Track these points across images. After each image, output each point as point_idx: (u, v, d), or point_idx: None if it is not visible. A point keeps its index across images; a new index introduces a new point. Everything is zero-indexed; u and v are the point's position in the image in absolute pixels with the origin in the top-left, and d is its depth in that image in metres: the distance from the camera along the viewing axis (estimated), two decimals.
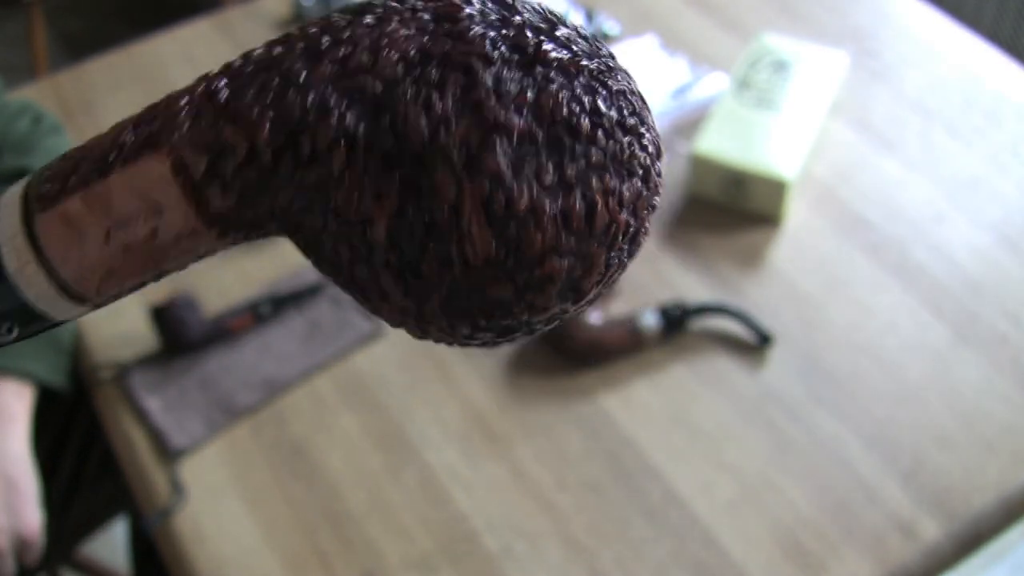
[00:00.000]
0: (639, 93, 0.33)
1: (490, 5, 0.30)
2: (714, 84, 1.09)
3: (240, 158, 0.30)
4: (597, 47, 0.32)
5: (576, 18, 1.14)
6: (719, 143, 0.96)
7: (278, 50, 0.30)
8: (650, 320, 0.86)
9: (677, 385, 0.85)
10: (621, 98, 0.31)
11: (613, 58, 0.32)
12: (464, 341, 0.32)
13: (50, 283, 0.31)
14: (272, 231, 0.31)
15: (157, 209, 0.30)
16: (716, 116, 0.99)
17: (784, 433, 0.81)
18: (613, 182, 0.30)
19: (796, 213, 0.97)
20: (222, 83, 0.31)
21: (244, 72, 0.31)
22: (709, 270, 0.93)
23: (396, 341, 0.90)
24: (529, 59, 0.29)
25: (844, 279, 0.91)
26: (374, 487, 0.80)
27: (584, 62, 0.30)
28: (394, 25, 0.30)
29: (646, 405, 0.84)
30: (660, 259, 0.94)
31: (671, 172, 1.02)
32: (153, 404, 0.86)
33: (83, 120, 1.14)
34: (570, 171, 0.29)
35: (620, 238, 0.30)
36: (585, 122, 0.30)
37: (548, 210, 0.29)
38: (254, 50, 0.31)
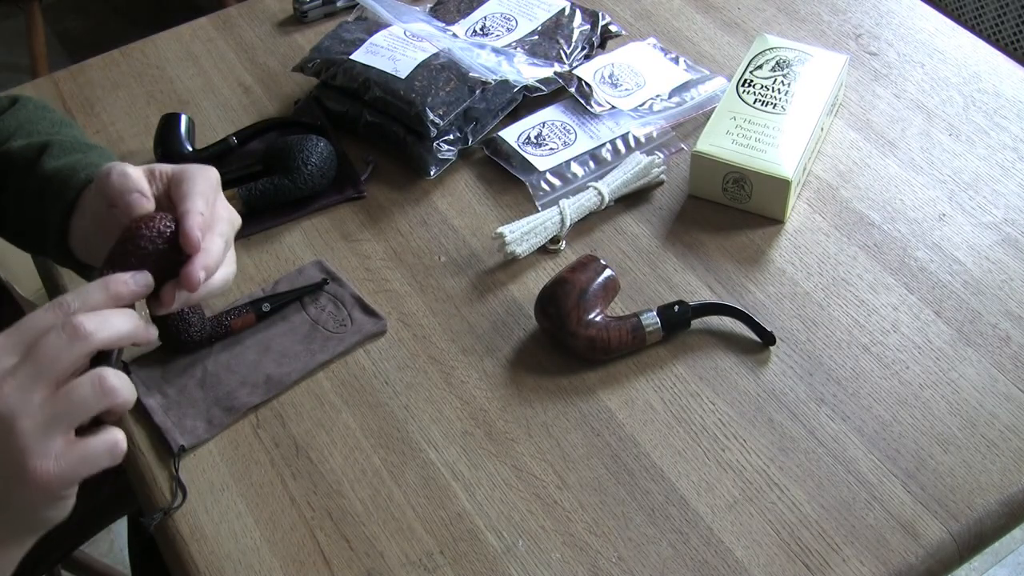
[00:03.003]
0: None
1: None
2: (715, 84, 1.10)
3: None
4: None
5: (577, 19, 1.14)
6: (720, 142, 0.96)
7: None
8: (651, 319, 0.86)
9: (678, 384, 0.85)
10: None
11: None
12: None
13: None
14: None
15: None
16: (717, 115, 0.99)
17: (786, 432, 0.81)
18: None
19: (797, 212, 0.97)
20: None
21: None
22: (710, 269, 0.93)
23: (398, 339, 0.90)
24: None
25: (845, 278, 0.91)
26: (375, 486, 0.80)
27: None
28: None
29: (648, 404, 0.84)
30: (661, 258, 0.94)
31: (672, 171, 1.02)
32: (154, 403, 0.86)
33: (83, 119, 1.14)
34: None
35: None
36: None
37: None
38: None
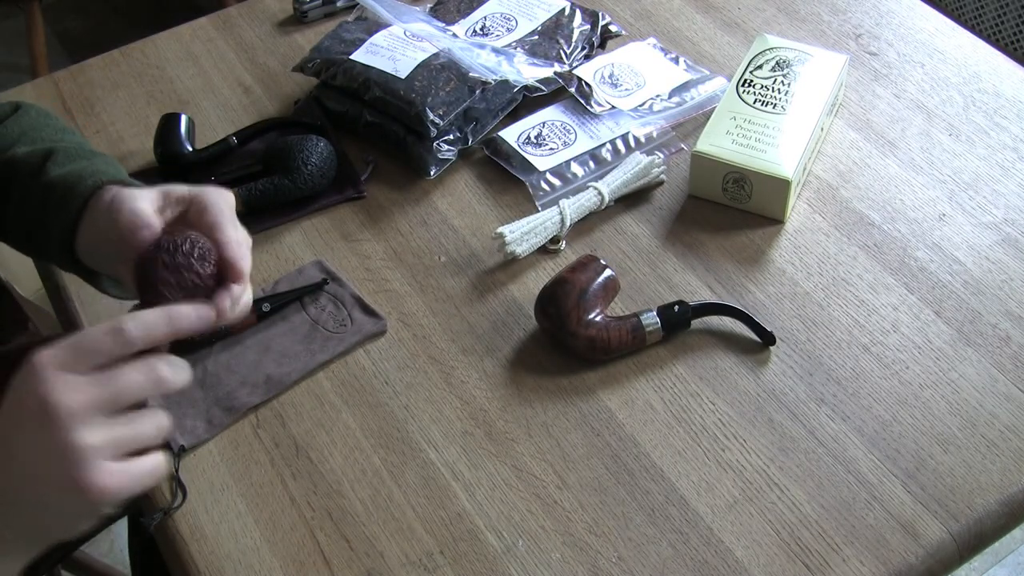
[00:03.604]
0: None
1: None
2: (715, 84, 1.10)
3: None
4: None
5: (577, 19, 1.14)
6: (720, 142, 0.96)
7: None
8: (651, 319, 0.86)
9: (678, 384, 0.85)
10: None
11: None
12: None
13: None
14: None
15: None
16: (717, 115, 0.99)
17: (786, 432, 0.81)
18: None
19: (797, 212, 0.97)
20: None
21: None
22: (710, 269, 0.93)
23: (398, 339, 0.90)
24: None
25: (845, 278, 0.91)
26: (375, 486, 0.80)
27: None
28: None
29: (648, 404, 0.84)
30: (661, 258, 0.94)
31: (672, 171, 1.02)
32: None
33: (83, 119, 1.14)
34: None
35: None
36: None
37: None
38: None
